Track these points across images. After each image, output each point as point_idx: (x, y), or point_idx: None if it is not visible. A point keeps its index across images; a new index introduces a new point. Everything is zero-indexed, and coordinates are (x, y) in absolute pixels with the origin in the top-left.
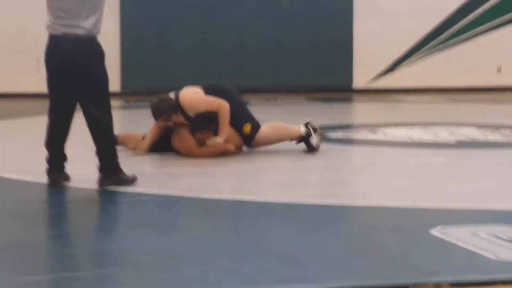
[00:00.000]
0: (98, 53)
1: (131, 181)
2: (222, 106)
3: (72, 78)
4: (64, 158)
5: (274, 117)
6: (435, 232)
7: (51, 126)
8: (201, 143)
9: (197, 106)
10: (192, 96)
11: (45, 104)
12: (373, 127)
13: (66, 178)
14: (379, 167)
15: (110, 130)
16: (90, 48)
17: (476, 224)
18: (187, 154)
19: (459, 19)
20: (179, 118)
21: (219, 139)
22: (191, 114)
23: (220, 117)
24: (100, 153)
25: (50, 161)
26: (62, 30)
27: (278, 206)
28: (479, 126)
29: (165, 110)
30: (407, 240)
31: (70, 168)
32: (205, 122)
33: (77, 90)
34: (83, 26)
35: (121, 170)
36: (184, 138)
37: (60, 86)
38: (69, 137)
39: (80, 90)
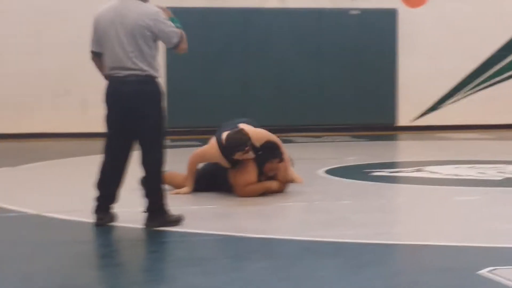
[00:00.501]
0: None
1: (177, 221)
2: (274, 135)
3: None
4: (113, 199)
5: (320, 156)
6: (485, 272)
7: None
8: (268, 176)
9: (261, 135)
10: (252, 128)
11: (90, 144)
12: (419, 165)
13: (113, 218)
14: (426, 205)
15: (161, 171)
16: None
17: None
18: (243, 188)
19: (503, 57)
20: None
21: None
22: (257, 144)
23: (280, 144)
24: (148, 193)
25: (99, 199)
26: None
27: (324, 246)
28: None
29: (247, 140)
30: (455, 281)
31: (116, 206)
32: (271, 152)
33: (136, 130)
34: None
35: (167, 211)
36: (249, 172)
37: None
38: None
39: (138, 130)
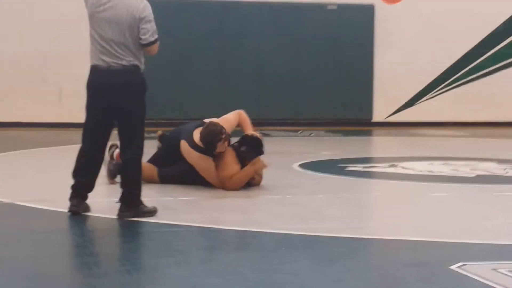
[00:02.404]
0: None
1: (151, 213)
2: (239, 112)
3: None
4: (89, 188)
5: (295, 150)
6: (455, 267)
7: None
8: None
9: (228, 123)
10: (215, 119)
11: (66, 134)
12: (393, 160)
13: (87, 207)
14: (399, 201)
15: (139, 163)
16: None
17: (496, 260)
18: (229, 181)
19: (479, 54)
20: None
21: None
22: (229, 131)
23: (243, 121)
24: (125, 185)
25: (74, 187)
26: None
27: (297, 239)
28: (499, 161)
29: (221, 128)
30: (426, 276)
31: (91, 196)
32: (255, 149)
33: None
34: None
35: (141, 202)
36: (230, 164)
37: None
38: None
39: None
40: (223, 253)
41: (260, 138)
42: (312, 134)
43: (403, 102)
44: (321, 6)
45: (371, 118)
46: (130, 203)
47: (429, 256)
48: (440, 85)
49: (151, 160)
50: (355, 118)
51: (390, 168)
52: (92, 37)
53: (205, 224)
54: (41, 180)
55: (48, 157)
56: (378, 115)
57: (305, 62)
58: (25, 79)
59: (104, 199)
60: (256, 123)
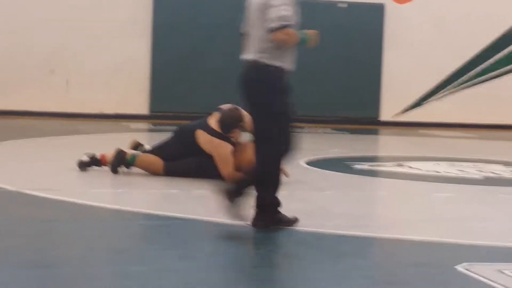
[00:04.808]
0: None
1: (288, 222)
2: None
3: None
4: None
5: (303, 147)
6: (460, 268)
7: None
8: None
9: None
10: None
11: (73, 124)
12: (399, 160)
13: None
14: (405, 200)
15: (270, 166)
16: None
17: (502, 262)
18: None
19: (488, 57)
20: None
21: None
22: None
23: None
24: (256, 188)
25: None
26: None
27: (303, 235)
28: (506, 163)
29: (243, 118)
30: (432, 275)
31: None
32: None
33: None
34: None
35: (277, 210)
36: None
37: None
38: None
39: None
40: (228, 247)
41: None
42: (319, 132)
43: (411, 102)
44: (332, 4)
45: (378, 117)
46: (263, 210)
47: (435, 256)
48: (449, 86)
49: (155, 152)
50: (362, 116)
51: (396, 167)
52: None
53: (211, 218)
54: (48, 169)
55: (54, 146)
56: (386, 114)
57: (314, 59)
58: (34, 70)
59: (112, 189)
60: None
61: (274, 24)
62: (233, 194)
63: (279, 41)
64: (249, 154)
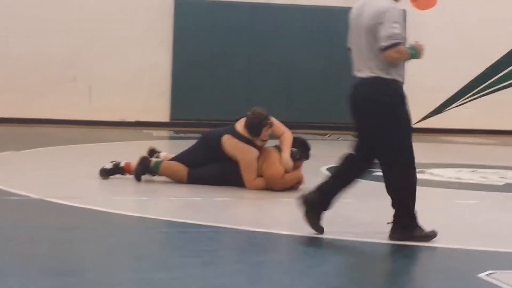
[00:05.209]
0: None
1: (426, 237)
2: (288, 130)
3: None
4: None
5: (323, 153)
6: (483, 275)
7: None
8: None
9: (278, 125)
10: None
11: (95, 131)
12: (421, 167)
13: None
14: (427, 207)
15: (405, 186)
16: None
17: None
18: (270, 183)
19: (509, 63)
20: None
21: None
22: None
23: (285, 139)
24: (393, 204)
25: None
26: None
27: (325, 242)
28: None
29: (267, 114)
30: (455, 283)
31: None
32: (304, 152)
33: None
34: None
35: (415, 225)
36: (274, 165)
37: None
38: None
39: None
40: (249, 254)
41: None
42: (340, 138)
43: (432, 109)
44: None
45: None
46: (400, 225)
47: (457, 263)
48: (470, 92)
49: (179, 159)
50: None
51: (418, 174)
52: None
53: (233, 225)
54: (70, 177)
55: (76, 154)
56: None
57: (334, 65)
58: (56, 77)
59: (132, 197)
60: (284, 126)
61: (385, 43)
62: (315, 204)
63: (391, 59)
64: (273, 160)
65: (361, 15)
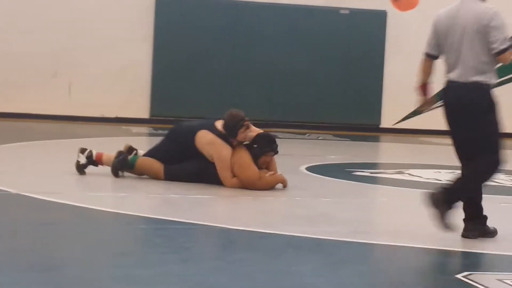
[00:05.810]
0: None
1: (492, 233)
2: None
3: None
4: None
5: (303, 152)
6: (461, 276)
7: None
8: (262, 167)
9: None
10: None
11: (74, 127)
12: (400, 167)
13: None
14: (405, 207)
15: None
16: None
17: (502, 271)
18: (248, 185)
19: None
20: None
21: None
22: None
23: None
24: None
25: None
26: None
27: (304, 241)
28: (507, 172)
29: (243, 115)
30: (432, 283)
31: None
32: (267, 144)
33: None
34: None
35: (485, 223)
36: (248, 166)
37: None
38: None
39: None
40: (229, 252)
41: (273, 136)
42: (320, 138)
43: (412, 109)
44: (334, 10)
45: (379, 123)
46: (472, 221)
47: (436, 263)
48: None
49: (151, 155)
50: (363, 123)
51: (397, 174)
52: None
53: (211, 223)
54: (48, 171)
55: (55, 149)
56: (387, 121)
57: (316, 65)
58: (37, 73)
59: (110, 193)
60: (265, 125)
61: (503, 46)
62: (443, 203)
63: (506, 61)
64: (245, 161)
65: (458, 18)
